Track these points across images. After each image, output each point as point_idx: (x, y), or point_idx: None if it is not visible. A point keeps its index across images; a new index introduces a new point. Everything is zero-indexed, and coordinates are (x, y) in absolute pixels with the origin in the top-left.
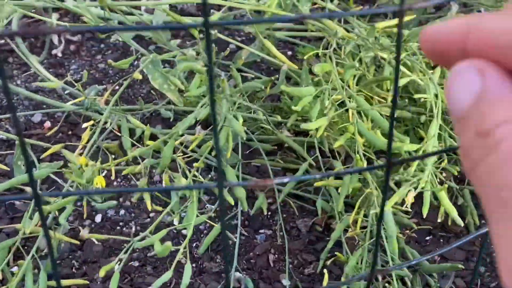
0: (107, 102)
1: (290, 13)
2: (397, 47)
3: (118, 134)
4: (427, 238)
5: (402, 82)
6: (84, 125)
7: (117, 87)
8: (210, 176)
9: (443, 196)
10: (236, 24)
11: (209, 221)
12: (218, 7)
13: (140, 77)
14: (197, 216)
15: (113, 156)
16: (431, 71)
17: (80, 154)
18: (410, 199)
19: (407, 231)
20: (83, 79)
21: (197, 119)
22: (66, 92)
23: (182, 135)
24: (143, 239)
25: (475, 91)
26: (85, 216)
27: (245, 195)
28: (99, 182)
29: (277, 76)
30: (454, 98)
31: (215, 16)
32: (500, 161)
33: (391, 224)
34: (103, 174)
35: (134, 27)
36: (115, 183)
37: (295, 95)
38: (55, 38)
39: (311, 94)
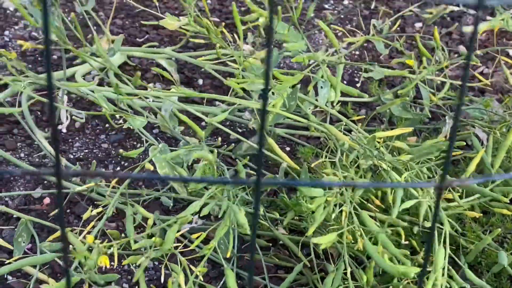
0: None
1: (294, 114)
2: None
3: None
4: None
5: (408, 204)
6: (94, 211)
7: (118, 168)
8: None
9: None
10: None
11: None
12: (223, 100)
13: (152, 168)
14: None
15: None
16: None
17: (84, 238)
18: None
19: None
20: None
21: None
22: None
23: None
24: None
25: None
26: None
27: None
28: (103, 261)
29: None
30: None
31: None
32: None
33: None
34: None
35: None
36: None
37: (307, 195)
38: (62, 113)
39: (322, 196)
